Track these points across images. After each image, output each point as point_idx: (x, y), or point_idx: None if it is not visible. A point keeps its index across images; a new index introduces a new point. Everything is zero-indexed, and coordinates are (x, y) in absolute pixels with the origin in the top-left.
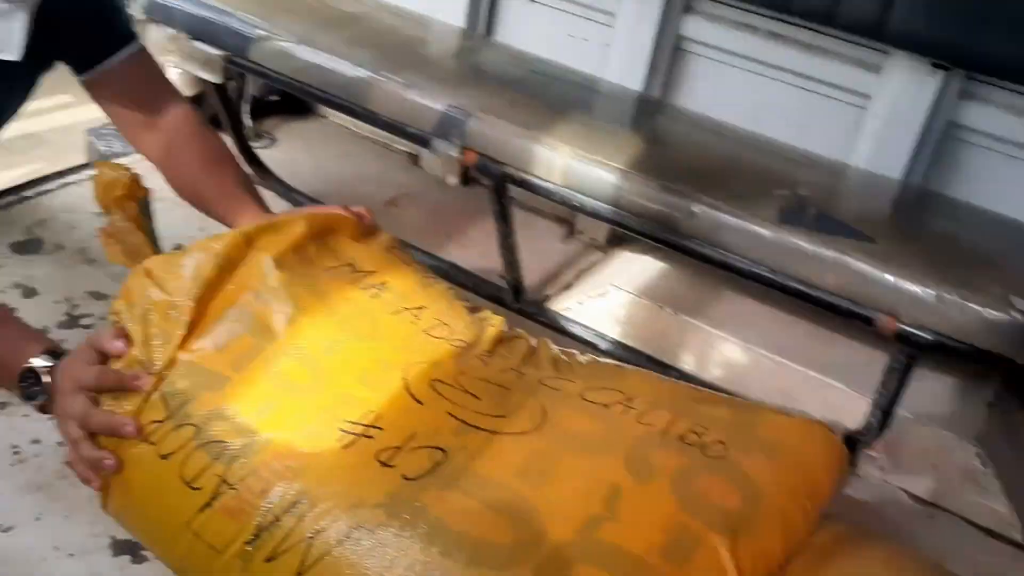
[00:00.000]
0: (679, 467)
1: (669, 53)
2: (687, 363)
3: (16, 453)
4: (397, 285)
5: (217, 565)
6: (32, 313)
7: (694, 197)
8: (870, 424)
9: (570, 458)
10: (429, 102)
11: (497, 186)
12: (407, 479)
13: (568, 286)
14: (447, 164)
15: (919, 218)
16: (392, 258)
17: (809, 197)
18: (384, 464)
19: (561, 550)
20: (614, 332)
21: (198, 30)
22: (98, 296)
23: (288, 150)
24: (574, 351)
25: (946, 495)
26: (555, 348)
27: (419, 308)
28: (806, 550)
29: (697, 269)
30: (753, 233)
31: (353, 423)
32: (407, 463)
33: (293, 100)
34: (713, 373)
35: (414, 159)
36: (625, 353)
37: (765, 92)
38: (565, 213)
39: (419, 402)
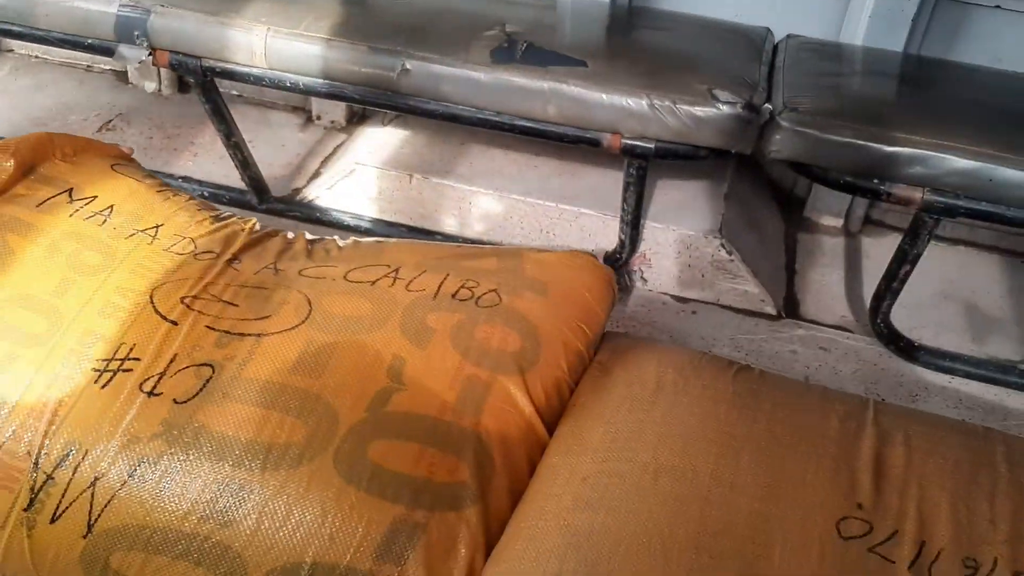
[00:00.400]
0: (456, 324)
1: None
2: (448, 225)
3: None
4: (127, 207)
5: (1, 541)
6: None
7: (405, 53)
8: (622, 241)
9: (345, 340)
10: (99, 5)
11: (201, 83)
12: (179, 402)
13: (316, 174)
14: (142, 70)
15: (627, 35)
16: (117, 177)
17: (518, 33)
18: (150, 394)
19: (356, 430)
20: (370, 210)
21: None
22: None
23: None
24: (334, 237)
25: (703, 288)
26: (312, 238)
27: (156, 227)
28: (591, 368)
29: (437, 131)
30: (468, 78)
31: (105, 360)
32: (174, 387)
33: None
34: (475, 228)
35: (123, 77)
36: (387, 229)
37: None
38: (298, 100)
39: (173, 323)
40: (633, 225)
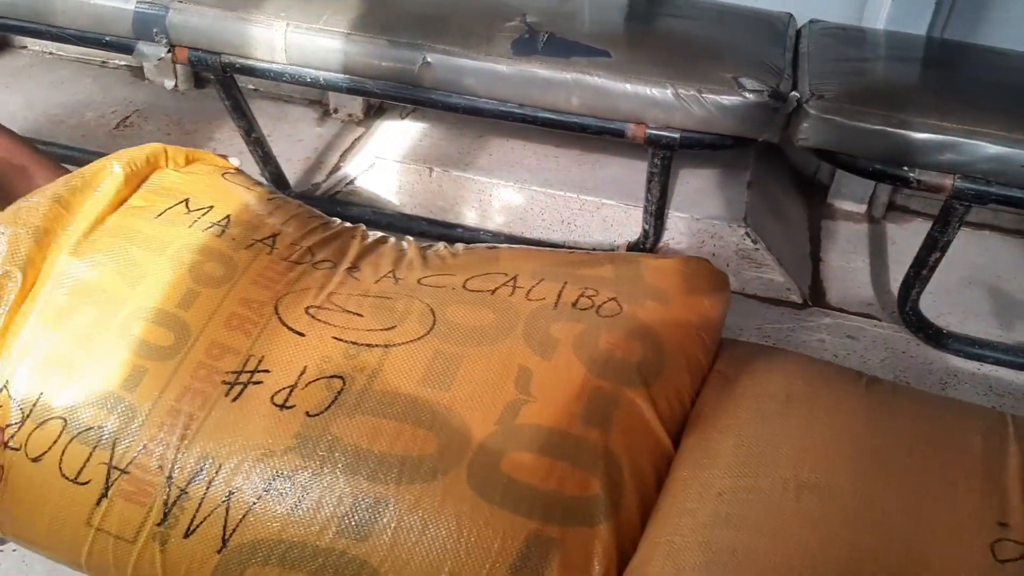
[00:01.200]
0: (579, 334)
1: None
2: (469, 218)
3: None
4: (243, 216)
5: (132, 556)
6: None
7: (425, 47)
8: (646, 231)
9: (472, 352)
10: (117, 2)
11: (221, 79)
12: (311, 415)
13: (335, 168)
14: (161, 67)
15: (647, 23)
16: (229, 186)
17: (539, 23)
18: (282, 406)
19: (488, 443)
20: (391, 204)
21: None
22: None
23: None
24: (438, 244)
25: (728, 278)
26: (424, 244)
27: (272, 236)
28: (711, 378)
29: (456, 123)
30: (490, 71)
31: (235, 372)
32: (306, 399)
33: None
34: (496, 220)
35: (139, 72)
36: (408, 223)
37: None
38: (315, 94)
39: (300, 334)
40: (657, 215)
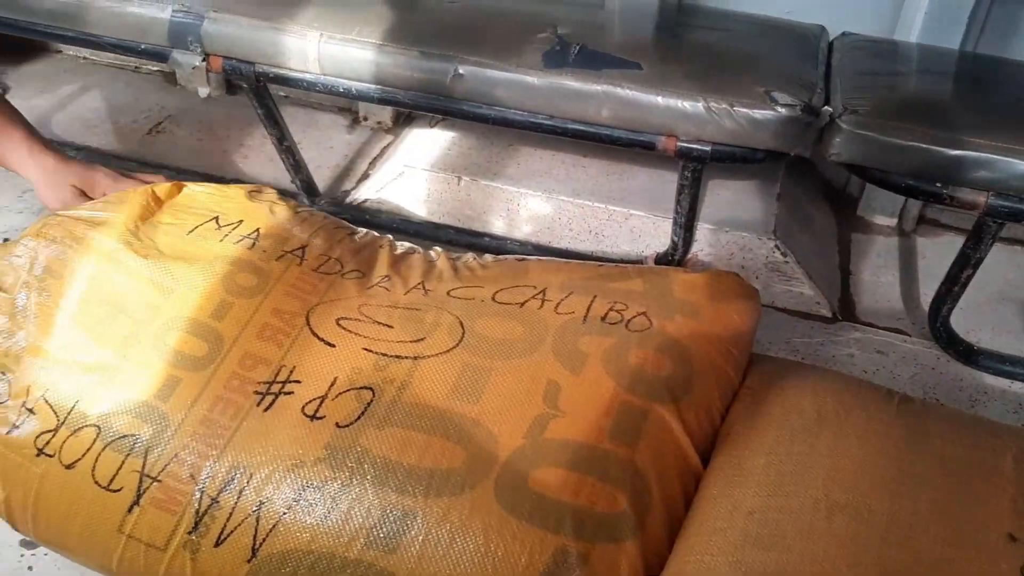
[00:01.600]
0: (608, 348)
1: None
2: (497, 227)
3: None
4: (272, 229)
5: (163, 564)
6: None
7: (457, 58)
8: (675, 243)
9: (500, 365)
10: (152, 11)
11: (254, 88)
12: (341, 426)
13: (365, 176)
14: (195, 75)
15: (678, 35)
16: (256, 202)
17: (570, 35)
18: (313, 417)
19: (516, 457)
20: (419, 212)
21: None
22: None
23: (26, 95)
24: (467, 254)
25: (758, 292)
26: (451, 255)
27: (301, 248)
28: (741, 394)
29: (485, 132)
30: (521, 83)
31: (267, 383)
32: (336, 410)
33: (17, 40)
34: (523, 230)
35: (171, 77)
36: (435, 231)
37: None
38: (345, 102)
39: (330, 344)
40: (687, 227)
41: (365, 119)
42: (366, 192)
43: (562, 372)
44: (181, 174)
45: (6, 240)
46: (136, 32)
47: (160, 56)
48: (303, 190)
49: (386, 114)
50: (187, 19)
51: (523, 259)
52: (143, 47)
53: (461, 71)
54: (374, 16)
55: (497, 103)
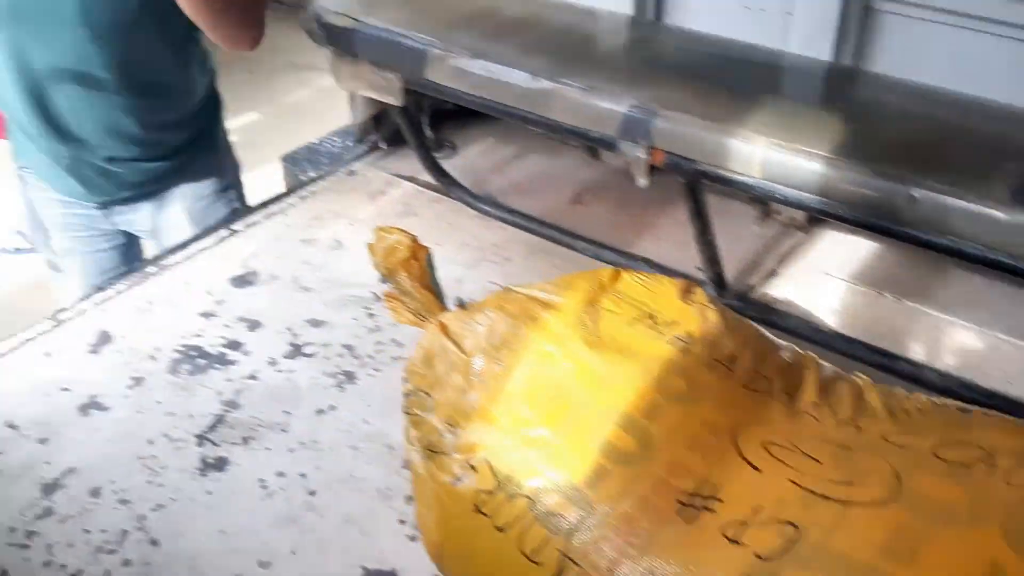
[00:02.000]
0: None
1: (859, 12)
2: (914, 353)
3: (264, 487)
4: (704, 335)
5: None
6: (258, 345)
7: (912, 180)
8: None
9: (938, 532)
10: (611, 104)
11: (691, 184)
12: (760, 558)
13: (771, 273)
14: (635, 165)
15: None
16: (689, 304)
17: None
18: (732, 540)
19: None
20: (829, 322)
21: (373, 53)
22: (316, 323)
23: (468, 156)
24: (897, 390)
25: None
26: (879, 388)
27: (732, 359)
28: None
29: (912, 249)
30: (983, 215)
31: (691, 495)
32: (757, 540)
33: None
34: (946, 361)
35: (593, 152)
36: (845, 345)
37: (973, 47)
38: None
39: (756, 468)
40: None
41: (778, 213)
42: (774, 291)
43: (1010, 555)
44: (595, 246)
45: (462, 302)
46: (592, 121)
47: (608, 145)
48: (711, 280)
49: (800, 212)
50: (641, 115)
51: (965, 409)
52: (595, 134)
53: (915, 194)
54: (826, 127)
55: (952, 233)
